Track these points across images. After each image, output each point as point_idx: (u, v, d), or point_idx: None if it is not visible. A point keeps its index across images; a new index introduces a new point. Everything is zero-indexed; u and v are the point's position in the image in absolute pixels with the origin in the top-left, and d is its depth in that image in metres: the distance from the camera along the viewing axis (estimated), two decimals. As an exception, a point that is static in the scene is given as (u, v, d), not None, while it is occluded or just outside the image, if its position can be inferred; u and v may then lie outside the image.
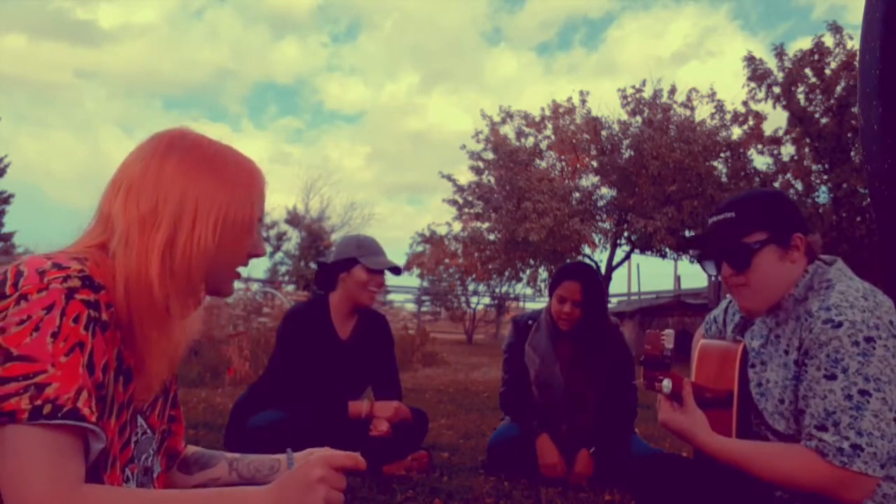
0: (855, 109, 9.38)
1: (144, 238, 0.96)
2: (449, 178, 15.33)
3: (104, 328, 0.92)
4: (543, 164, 15.20)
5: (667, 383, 1.46)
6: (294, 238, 22.02)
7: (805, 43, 13.90)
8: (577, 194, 14.23)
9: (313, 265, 19.95)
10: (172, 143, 1.01)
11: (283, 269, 21.68)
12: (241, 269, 1.10)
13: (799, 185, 13.06)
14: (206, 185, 0.99)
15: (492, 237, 14.51)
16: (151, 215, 0.96)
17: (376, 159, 41.88)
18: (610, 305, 15.12)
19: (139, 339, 0.96)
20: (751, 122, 13.61)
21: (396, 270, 2.91)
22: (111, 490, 0.91)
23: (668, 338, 1.46)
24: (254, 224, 1.05)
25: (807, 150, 12.90)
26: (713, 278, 13.83)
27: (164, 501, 0.89)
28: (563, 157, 15.05)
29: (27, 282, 0.87)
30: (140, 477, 1.05)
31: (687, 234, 13.65)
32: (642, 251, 14.53)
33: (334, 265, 2.86)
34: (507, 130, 15.41)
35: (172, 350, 1.07)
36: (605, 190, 14.65)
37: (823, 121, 12.47)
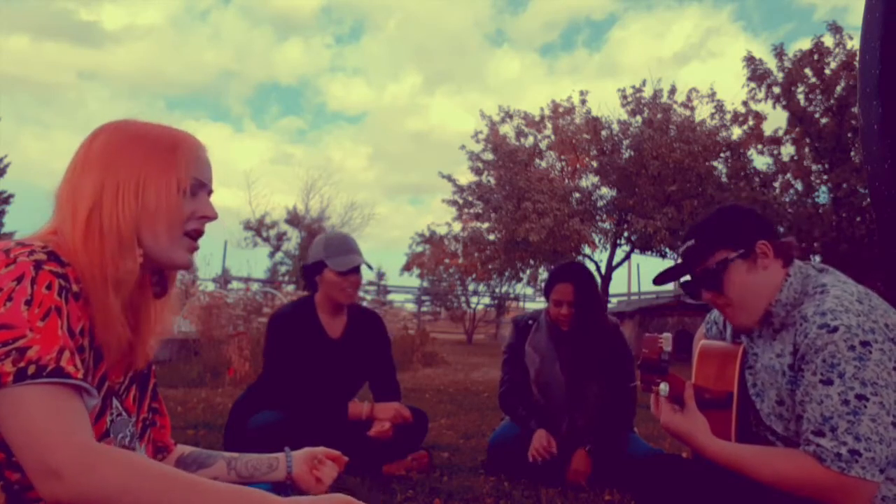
0: (855, 109, 9.39)
1: (76, 209, 1.00)
2: (449, 178, 15.34)
3: (77, 297, 0.94)
4: (543, 164, 15.21)
5: (664, 387, 1.46)
6: (294, 238, 21.98)
7: (805, 44, 13.90)
8: (577, 194, 14.24)
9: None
10: (103, 128, 1.07)
11: (283, 269, 21.66)
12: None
13: (799, 185, 13.09)
14: (127, 154, 1.03)
15: (492, 237, 14.52)
16: (81, 189, 1.01)
17: (378, 160, 41.82)
18: (610, 305, 15.12)
19: (98, 309, 0.97)
20: (751, 122, 13.62)
21: (367, 266, 2.90)
22: (130, 453, 0.91)
23: (666, 341, 1.46)
24: (183, 186, 1.06)
25: (807, 150, 12.92)
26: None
27: (182, 478, 0.88)
28: (563, 157, 15.06)
29: None
30: None
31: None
32: (642, 251, 14.54)
33: (308, 268, 2.87)
34: (507, 130, 15.43)
35: (141, 327, 1.08)
36: (605, 190, 14.68)
37: (823, 121, 12.48)
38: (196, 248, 1.11)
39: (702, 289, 1.58)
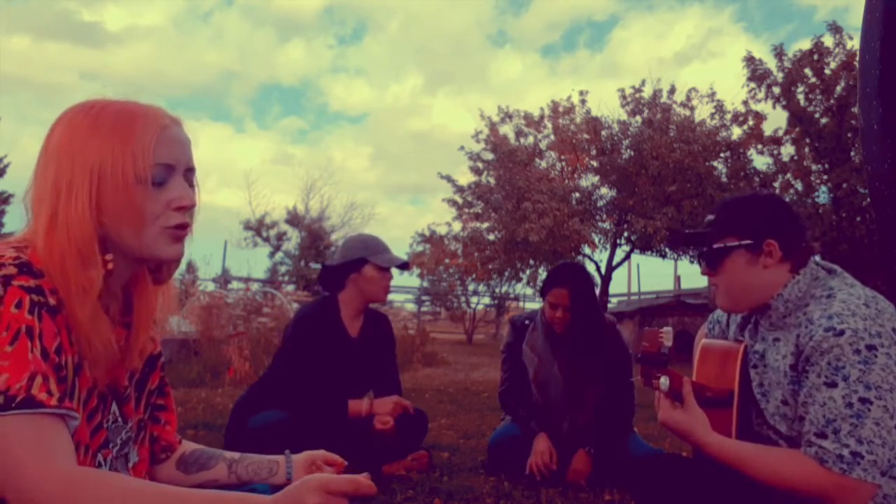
0: (855, 109, 9.38)
1: (38, 215, 0.94)
2: (448, 178, 15.33)
3: (53, 312, 0.89)
4: (543, 163, 15.20)
5: (664, 381, 1.46)
6: (294, 238, 21.99)
7: (805, 44, 13.89)
8: (576, 194, 14.23)
9: (314, 265, 19.95)
10: (62, 116, 0.98)
11: (283, 269, 21.66)
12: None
13: (799, 185, 13.06)
14: (80, 146, 0.94)
15: (491, 237, 14.50)
16: (41, 191, 0.95)
17: (380, 160, 41.90)
18: (610, 305, 15.12)
19: (72, 321, 0.92)
20: (751, 122, 13.61)
21: (405, 266, 2.98)
22: (110, 475, 0.89)
23: (667, 335, 1.46)
24: (143, 176, 0.94)
25: (807, 150, 12.90)
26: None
27: (163, 495, 0.86)
28: (562, 157, 15.05)
29: None
30: (113, 462, 1.03)
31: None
32: (642, 251, 14.53)
33: (343, 266, 2.88)
34: (507, 130, 15.43)
35: (135, 321, 1.04)
36: (604, 190, 14.66)
37: (823, 121, 12.47)
38: (182, 237, 1.00)
39: (703, 262, 1.62)
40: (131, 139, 0.95)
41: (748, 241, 1.53)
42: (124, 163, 0.94)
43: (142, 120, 0.97)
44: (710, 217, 1.61)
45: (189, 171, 1.01)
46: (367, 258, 2.85)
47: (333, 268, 2.92)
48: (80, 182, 0.92)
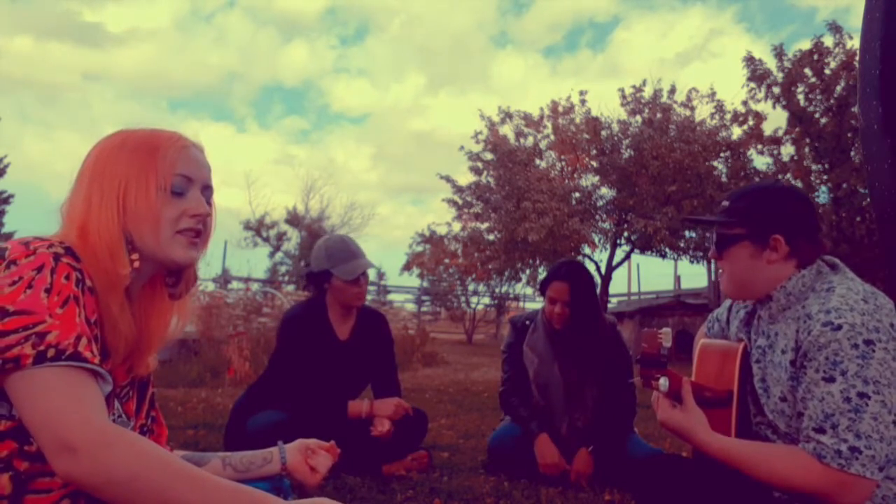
0: (855, 109, 9.38)
1: (71, 223, 1.05)
2: (448, 179, 15.32)
3: (92, 292, 0.98)
4: (543, 163, 15.19)
5: (663, 381, 1.46)
6: (294, 238, 22.00)
7: (806, 44, 13.87)
8: (576, 194, 14.22)
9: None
10: (97, 142, 1.11)
11: (283, 269, 21.66)
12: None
13: (799, 185, 13.06)
14: (110, 163, 1.07)
15: (491, 237, 14.50)
16: (74, 204, 1.07)
17: (381, 160, 41.80)
18: (610, 305, 15.11)
19: (102, 305, 1.00)
20: (751, 122, 13.61)
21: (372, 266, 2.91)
22: (143, 437, 0.93)
23: (666, 336, 1.46)
24: (163, 185, 1.07)
25: (807, 150, 12.91)
26: (713, 276, 13.85)
27: (189, 472, 0.89)
28: (562, 156, 15.04)
29: (13, 251, 0.94)
30: None
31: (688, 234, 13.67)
32: (642, 251, 14.53)
33: (314, 276, 2.87)
34: (507, 130, 15.41)
35: (149, 327, 1.12)
36: (604, 190, 14.65)
37: (823, 121, 12.47)
38: (195, 244, 1.10)
39: (713, 245, 1.63)
40: (155, 156, 1.07)
41: (754, 234, 1.53)
42: (147, 175, 1.06)
43: (165, 140, 1.10)
44: (726, 203, 1.62)
45: (206, 189, 1.13)
46: (330, 270, 2.80)
47: (309, 276, 2.92)
48: (109, 192, 1.05)
